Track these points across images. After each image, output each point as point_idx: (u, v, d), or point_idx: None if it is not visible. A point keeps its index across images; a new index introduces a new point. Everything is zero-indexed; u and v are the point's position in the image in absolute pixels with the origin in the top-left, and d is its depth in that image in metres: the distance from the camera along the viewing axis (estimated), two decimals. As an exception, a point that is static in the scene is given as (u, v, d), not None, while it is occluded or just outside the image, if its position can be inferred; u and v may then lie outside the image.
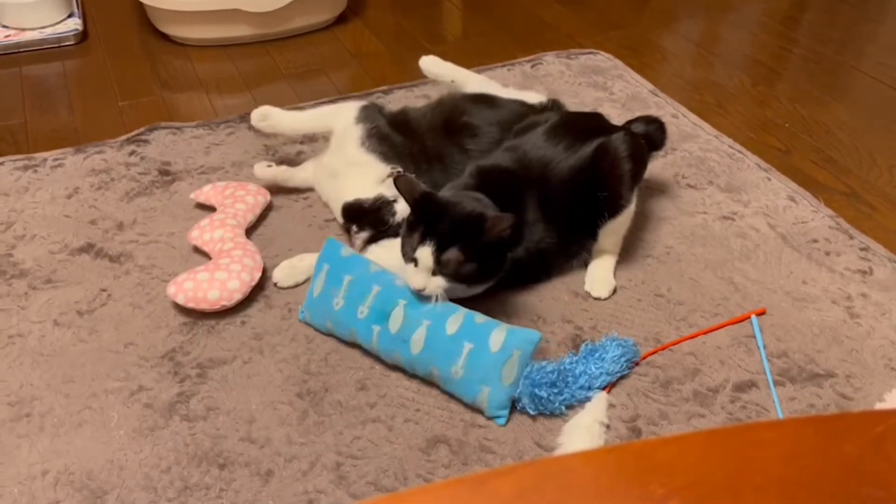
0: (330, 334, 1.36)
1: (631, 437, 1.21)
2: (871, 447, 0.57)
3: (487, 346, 1.22)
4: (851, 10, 2.61)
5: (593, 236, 1.48)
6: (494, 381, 1.21)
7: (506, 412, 1.23)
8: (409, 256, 1.28)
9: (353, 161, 1.56)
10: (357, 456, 1.18)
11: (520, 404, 1.23)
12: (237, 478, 1.14)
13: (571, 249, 1.48)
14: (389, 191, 1.49)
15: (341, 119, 1.63)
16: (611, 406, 1.25)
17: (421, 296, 1.26)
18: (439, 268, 1.25)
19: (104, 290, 1.46)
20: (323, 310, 1.35)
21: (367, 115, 1.62)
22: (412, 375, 1.29)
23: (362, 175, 1.54)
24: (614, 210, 1.43)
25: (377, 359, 1.32)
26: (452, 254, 1.24)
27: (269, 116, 1.64)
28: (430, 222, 1.26)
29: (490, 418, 1.23)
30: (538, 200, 1.41)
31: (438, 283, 1.26)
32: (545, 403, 1.22)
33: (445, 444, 1.20)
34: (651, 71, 2.20)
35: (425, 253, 1.25)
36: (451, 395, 1.26)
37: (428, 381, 1.28)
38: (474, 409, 1.25)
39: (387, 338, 1.27)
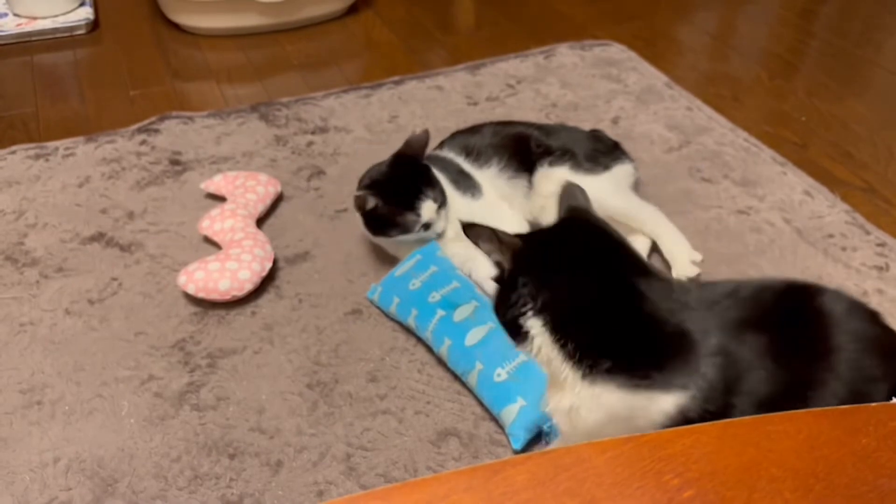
0: (391, 316, 1.37)
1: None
2: (887, 440, 0.57)
3: None
4: (870, 3, 2.58)
5: None
6: (534, 398, 1.13)
7: (527, 435, 1.15)
8: None
9: None
10: (367, 447, 1.17)
11: (547, 438, 1.16)
12: (247, 467, 1.14)
13: None
14: None
15: None
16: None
17: None
18: None
19: (115, 279, 1.46)
20: (397, 287, 1.36)
21: None
22: (422, 368, 1.29)
23: None
24: None
25: (387, 350, 1.32)
26: None
27: None
28: None
29: (508, 434, 1.17)
30: None
31: None
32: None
33: (456, 437, 1.19)
34: (666, 63, 2.17)
35: None
36: (480, 401, 1.22)
37: (439, 376, 1.28)
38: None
39: (446, 323, 1.27)
